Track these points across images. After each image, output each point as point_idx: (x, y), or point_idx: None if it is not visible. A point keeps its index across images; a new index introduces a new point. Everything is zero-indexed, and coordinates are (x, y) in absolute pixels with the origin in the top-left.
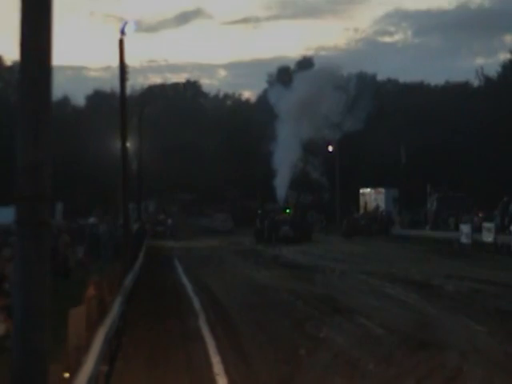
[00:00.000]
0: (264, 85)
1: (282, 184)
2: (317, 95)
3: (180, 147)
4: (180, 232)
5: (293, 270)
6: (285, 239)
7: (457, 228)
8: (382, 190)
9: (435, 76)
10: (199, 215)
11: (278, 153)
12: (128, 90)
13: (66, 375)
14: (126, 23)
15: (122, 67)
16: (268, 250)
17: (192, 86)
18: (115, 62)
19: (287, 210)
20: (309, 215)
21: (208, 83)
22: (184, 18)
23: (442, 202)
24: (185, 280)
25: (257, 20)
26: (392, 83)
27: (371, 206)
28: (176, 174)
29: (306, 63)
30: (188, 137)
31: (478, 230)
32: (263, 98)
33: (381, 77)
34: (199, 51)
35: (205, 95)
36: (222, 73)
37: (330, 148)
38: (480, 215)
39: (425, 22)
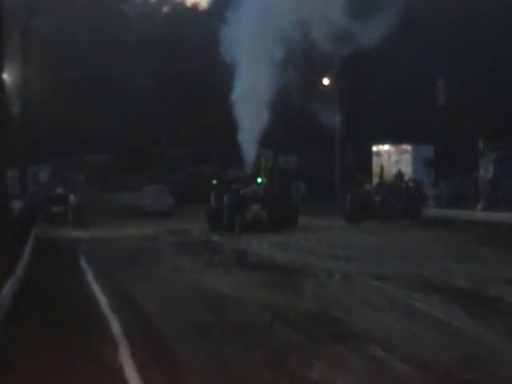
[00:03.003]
0: None
1: (250, 138)
2: None
3: (89, 82)
4: (89, 215)
5: (268, 273)
6: (255, 224)
7: None
8: (407, 147)
9: None
10: (120, 188)
11: (244, 86)
12: None
13: None
14: None
15: None
16: (229, 242)
17: None
18: None
19: (259, 180)
20: (293, 187)
21: None
22: None
23: (501, 166)
24: (97, 291)
25: None
26: None
27: (391, 172)
28: (83, 124)
29: None
30: (101, 66)
31: None
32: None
33: None
34: None
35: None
36: None
37: (326, 80)
38: None
39: None
